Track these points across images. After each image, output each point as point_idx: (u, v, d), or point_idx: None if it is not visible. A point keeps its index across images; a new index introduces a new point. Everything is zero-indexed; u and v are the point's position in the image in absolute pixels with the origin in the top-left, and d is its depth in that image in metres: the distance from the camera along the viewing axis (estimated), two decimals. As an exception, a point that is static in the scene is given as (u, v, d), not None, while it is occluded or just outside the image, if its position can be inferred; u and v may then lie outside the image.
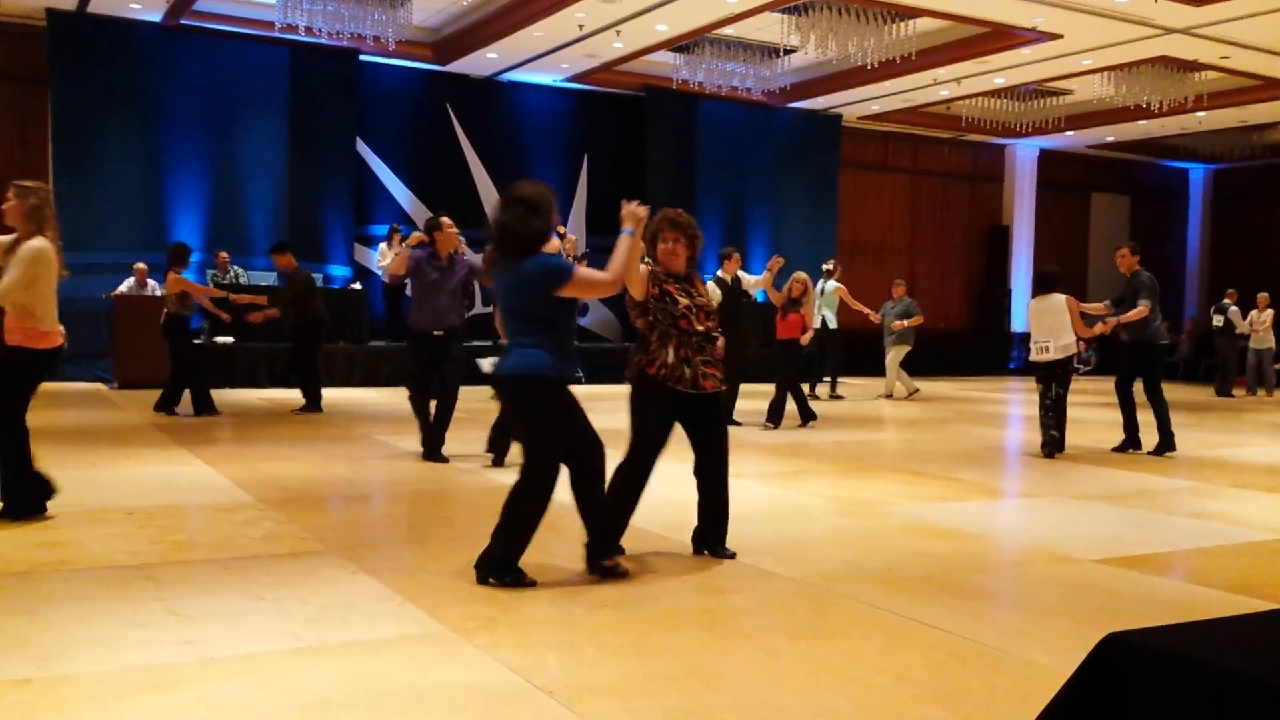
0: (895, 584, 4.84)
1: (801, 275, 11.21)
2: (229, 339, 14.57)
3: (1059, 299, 9.38)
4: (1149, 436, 9.63)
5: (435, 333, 8.17)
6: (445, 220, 8.22)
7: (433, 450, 8.16)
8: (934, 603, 4.54)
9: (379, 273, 16.81)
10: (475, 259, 8.74)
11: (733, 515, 5.33)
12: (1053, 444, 9.34)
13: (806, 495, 7.09)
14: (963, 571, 5.12)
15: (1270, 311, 17.51)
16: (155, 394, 11.05)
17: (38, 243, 5.62)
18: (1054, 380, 9.43)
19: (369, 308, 16.36)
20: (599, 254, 18.33)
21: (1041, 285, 9.67)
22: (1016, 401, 15.65)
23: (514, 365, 4.69)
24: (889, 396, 15.39)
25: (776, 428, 10.78)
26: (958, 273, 23.17)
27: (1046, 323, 9.38)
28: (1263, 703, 1.83)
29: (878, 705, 3.37)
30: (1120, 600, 4.71)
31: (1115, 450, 9.72)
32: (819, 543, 5.54)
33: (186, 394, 10.90)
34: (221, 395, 11.62)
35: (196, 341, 11.89)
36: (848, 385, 16.42)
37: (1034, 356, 9.49)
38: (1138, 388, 9.71)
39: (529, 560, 4.69)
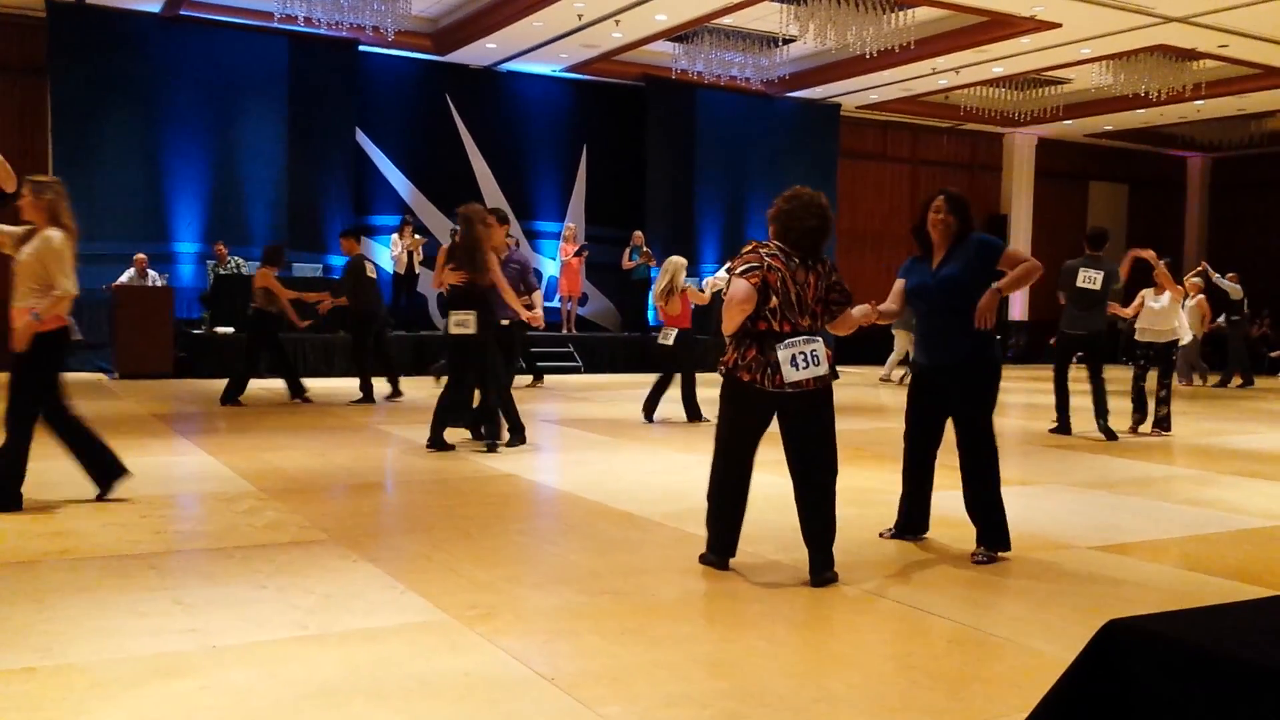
0: (896, 572, 4.87)
1: (675, 260, 10.31)
2: (229, 329, 14.58)
3: None
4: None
5: None
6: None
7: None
8: (934, 590, 4.57)
9: (387, 264, 16.90)
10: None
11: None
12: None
13: (806, 484, 7.09)
14: (963, 559, 5.14)
15: (1202, 298, 16.18)
16: (155, 384, 11.05)
17: (55, 233, 5.69)
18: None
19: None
20: (599, 244, 18.43)
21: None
22: (1013, 390, 15.65)
23: (992, 352, 5.13)
24: (903, 380, 15.66)
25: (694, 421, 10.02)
26: (956, 262, 23.13)
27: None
28: (1265, 688, 1.84)
29: (879, 692, 3.39)
30: (1119, 587, 4.73)
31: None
32: (819, 531, 5.55)
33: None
34: (220, 385, 11.57)
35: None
36: (851, 373, 16.43)
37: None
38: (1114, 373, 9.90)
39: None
